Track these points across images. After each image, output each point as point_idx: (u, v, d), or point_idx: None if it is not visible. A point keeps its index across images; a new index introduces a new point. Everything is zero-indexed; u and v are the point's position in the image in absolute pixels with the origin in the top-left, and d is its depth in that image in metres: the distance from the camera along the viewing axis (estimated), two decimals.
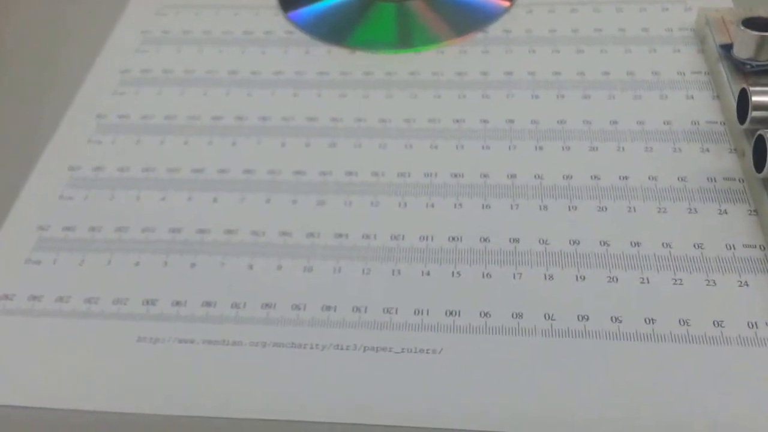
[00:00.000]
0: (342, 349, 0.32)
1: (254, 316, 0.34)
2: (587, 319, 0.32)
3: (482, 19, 0.48)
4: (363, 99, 0.44)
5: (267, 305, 0.34)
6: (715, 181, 0.37)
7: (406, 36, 0.47)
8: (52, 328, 0.34)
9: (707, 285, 0.33)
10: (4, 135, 0.43)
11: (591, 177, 0.38)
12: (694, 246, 0.34)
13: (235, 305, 0.34)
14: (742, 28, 0.39)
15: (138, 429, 0.31)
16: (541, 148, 0.39)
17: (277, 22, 0.49)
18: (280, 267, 0.35)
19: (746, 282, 0.33)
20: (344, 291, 0.34)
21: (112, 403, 0.31)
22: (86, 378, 0.32)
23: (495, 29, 0.47)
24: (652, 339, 0.31)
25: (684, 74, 0.43)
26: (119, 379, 0.32)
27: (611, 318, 0.32)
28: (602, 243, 0.35)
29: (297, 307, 0.34)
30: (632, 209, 0.36)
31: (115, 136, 0.43)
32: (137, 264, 0.36)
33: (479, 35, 0.47)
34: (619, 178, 0.37)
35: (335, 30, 0.48)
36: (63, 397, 0.32)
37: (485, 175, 0.38)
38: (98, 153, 0.42)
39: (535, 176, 0.38)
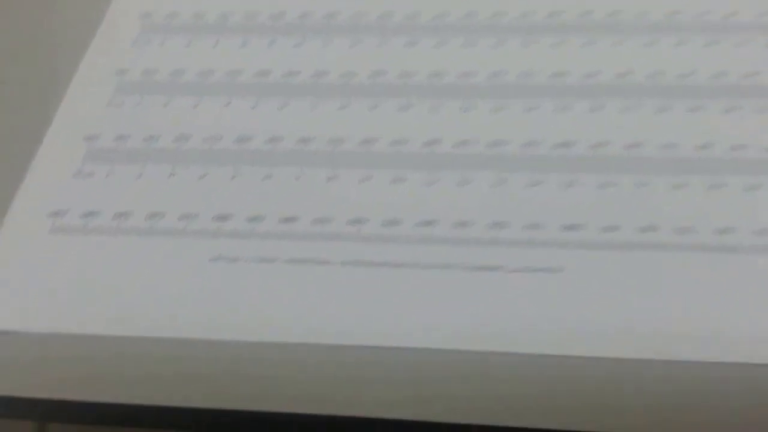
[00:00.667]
0: (445, 268, 0.28)
1: (341, 232, 0.30)
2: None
3: None
4: None
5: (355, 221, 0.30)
6: None
7: None
8: (109, 247, 0.30)
9: None
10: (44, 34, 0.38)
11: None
12: None
13: (318, 221, 0.30)
14: None
15: (215, 357, 0.27)
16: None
17: None
18: (366, 179, 0.31)
19: None
20: (441, 205, 0.30)
21: (183, 329, 0.28)
22: (154, 302, 0.28)
23: None
24: None
25: None
26: (190, 302, 0.28)
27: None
28: None
29: (390, 223, 0.30)
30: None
31: (165, 37, 0.38)
32: (203, 177, 0.32)
33: None
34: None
35: None
36: (125, 323, 0.28)
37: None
38: (147, 55, 0.37)
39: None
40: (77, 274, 0.30)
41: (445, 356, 0.26)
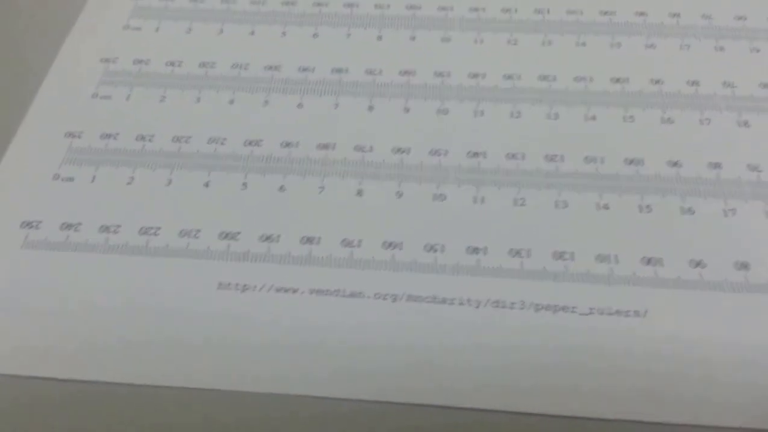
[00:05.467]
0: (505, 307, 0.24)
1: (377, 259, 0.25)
2: None
3: None
4: None
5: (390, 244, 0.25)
6: None
7: None
8: (93, 264, 0.25)
9: None
10: None
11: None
12: None
13: (347, 242, 0.25)
14: None
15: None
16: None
17: None
18: (400, 193, 0.26)
19: None
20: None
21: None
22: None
23: None
24: None
25: None
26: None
27: None
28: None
29: (431, 248, 0.25)
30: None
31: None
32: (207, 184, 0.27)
33: None
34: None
35: None
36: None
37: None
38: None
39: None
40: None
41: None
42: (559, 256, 0.25)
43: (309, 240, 0.25)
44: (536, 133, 0.28)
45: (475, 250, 0.25)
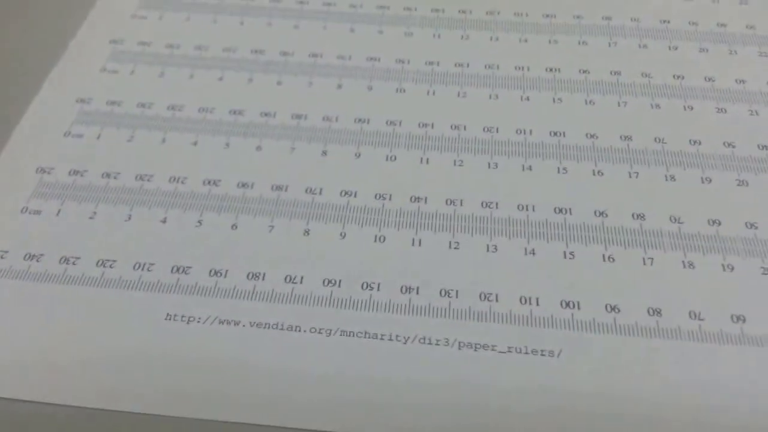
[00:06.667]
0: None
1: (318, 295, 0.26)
2: None
3: None
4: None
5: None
6: None
7: None
8: (53, 295, 0.27)
9: None
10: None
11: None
12: None
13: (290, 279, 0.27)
14: None
15: None
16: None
17: None
18: (342, 235, 0.28)
19: None
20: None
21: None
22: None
23: None
24: None
25: None
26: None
27: None
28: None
29: (368, 286, 0.27)
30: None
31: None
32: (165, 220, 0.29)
33: None
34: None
35: None
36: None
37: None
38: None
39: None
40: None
41: None
42: (485, 297, 0.26)
43: (255, 276, 0.27)
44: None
45: (408, 290, 0.27)
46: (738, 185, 0.30)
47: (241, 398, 0.24)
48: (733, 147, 0.31)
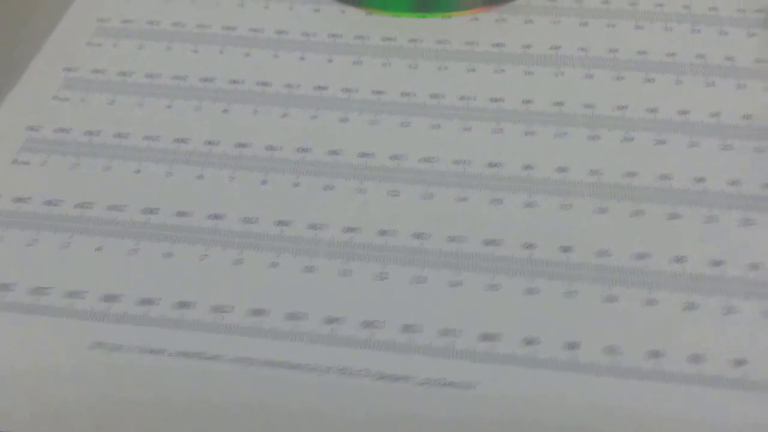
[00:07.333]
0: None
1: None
2: None
3: None
4: (382, 68, 0.37)
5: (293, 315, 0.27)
6: None
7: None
8: None
9: None
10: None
11: (660, 177, 0.31)
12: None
13: (256, 312, 0.27)
14: None
15: None
16: (596, 137, 0.33)
17: None
18: (274, 264, 0.29)
19: None
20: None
21: None
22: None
23: None
24: None
25: (763, 62, 0.36)
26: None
27: None
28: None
29: (293, 317, 0.27)
30: (712, 218, 0.30)
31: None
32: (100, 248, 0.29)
33: (520, 2, 0.40)
34: (695, 179, 0.31)
35: None
36: None
37: (529, 167, 0.32)
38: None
39: (590, 171, 0.32)
40: None
41: None
42: (409, 329, 0.27)
43: (184, 305, 0.28)
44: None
45: (331, 320, 0.27)
46: (669, 219, 0.30)
47: (163, 430, 0.25)
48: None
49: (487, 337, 0.26)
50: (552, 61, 0.37)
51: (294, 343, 0.26)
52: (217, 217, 0.30)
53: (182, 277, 0.28)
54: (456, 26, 0.39)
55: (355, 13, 0.40)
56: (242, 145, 0.33)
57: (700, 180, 0.31)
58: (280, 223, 0.30)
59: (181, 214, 0.30)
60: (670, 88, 0.35)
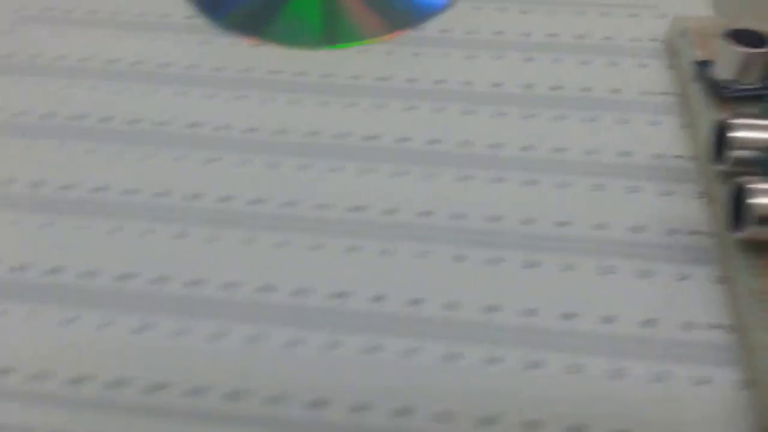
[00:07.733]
0: None
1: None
2: None
3: (420, 13, 0.41)
4: (262, 103, 0.36)
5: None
6: (677, 233, 0.31)
7: (327, 30, 0.40)
8: None
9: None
10: None
11: (522, 222, 0.31)
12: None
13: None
14: (725, 41, 0.33)
15: None
16: (470, 177, 0.33)
17: (177, 4, 0.42)
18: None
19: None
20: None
21: None
22: None
23: (431, 27, 0.40)
24: None
25: (649, 95, 0.36)
26: None
27: None
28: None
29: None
30: (569, 267, 0.30)
31: None
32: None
33: (412, 33, 0.40)
34: (557, 224, 0.31)
35: (248, 19, 0.40)
36: None
37: (393, 211, 0.32)
38: None
39: (455, 215, 0.31)
40: None
41: None
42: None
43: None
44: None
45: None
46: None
47: None
48: None
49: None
50: (442, 97, 0.36)
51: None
52: (125, 277, 0.29)
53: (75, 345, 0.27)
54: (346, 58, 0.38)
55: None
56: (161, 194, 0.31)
57: None
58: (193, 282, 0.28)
59: (87, 274, 0.29)
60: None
